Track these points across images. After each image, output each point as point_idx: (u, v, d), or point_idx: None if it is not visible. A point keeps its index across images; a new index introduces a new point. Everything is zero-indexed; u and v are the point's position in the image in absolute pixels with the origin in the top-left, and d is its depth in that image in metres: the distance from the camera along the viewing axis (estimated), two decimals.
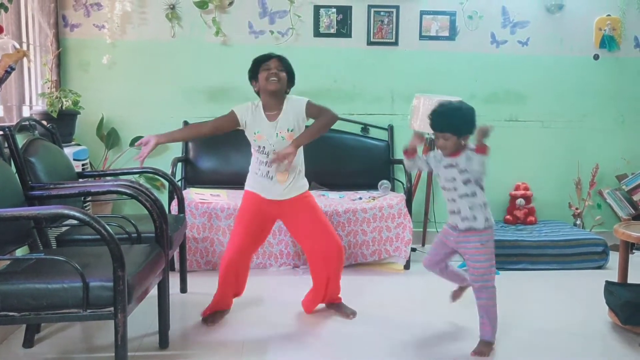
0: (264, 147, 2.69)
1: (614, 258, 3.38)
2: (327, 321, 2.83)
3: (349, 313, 2.87)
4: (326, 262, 2.75)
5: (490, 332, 2.51)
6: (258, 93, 2.74)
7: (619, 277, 2.95)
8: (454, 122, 2.43)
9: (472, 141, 2.48)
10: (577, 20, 4.37)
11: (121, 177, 3.26)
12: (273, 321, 2.83)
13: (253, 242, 2.78)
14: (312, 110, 2.70)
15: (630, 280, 2.94)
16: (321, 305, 2.95)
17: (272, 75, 2.62)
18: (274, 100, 2.68)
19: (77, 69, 4.11)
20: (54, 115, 3.50)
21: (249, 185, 2.79)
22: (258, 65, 2.68)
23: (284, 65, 2.69)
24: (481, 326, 2.53)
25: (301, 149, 2.72)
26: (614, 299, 2.75)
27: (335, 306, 2.92)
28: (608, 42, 4.35)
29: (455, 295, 2.87)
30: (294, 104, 2.70)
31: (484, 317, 2.52)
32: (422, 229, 4.27)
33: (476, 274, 2.51)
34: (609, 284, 2.87)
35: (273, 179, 2.70)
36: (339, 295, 2.93)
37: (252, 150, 2.77)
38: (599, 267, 3.82)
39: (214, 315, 2.80)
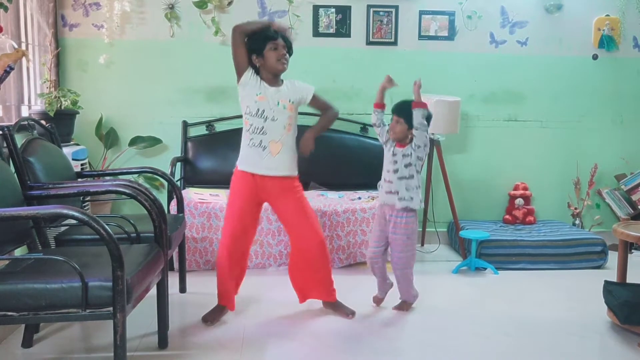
0: (263, 110, 2.67)
1: (613, 258, 3.39)
2: (326, 321, 2.83)
3: (348, 312, 2.87)
4: (304, 255, 2.79)
5: (409, 294, 2.95)
6: (256, 67, 2.71)
7: (617, 277, 2.95)
8: (408, 111, 2.81)
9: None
10: (576, 20, 4.37)
11: (120, 176, 3.27)
12: (272, 321, 2.83)
13: (244, 228, 2.77)
14: (318, 102, 2.81)
15: (629, 280, 2.94)
16: (320, 305, 2.95)
17: (282, 57, 2.66)
18: (275, 79, 2.73)
19: (76, 68, 4.11)
20: (53, 115, 3.50)
21: (240, 161, 2.77)
22: (265, 41, 2.66)
23: (289, 46, 2.72)
24: (401, 290, 2.96)
25: (295, 129, 2.75)
26: (613, 298, 2.76)
27: (333, 305, 2.92)
28: (607, 42, 4.35)
29: (378, 301, 3.05)
30: (299, 86, 2.76)
31: (402, 284, 2.93)
32: (421, 229, 4.27)
33: (399, 257, 2.86)
34: (607, 283, 2.88)
35: (266, 149, 2.68)
36: (334, 295, 2.92)
37: (246, 119, 2.72)
38: (598, 267, 3.82)
39: (214, 314, 2.80)
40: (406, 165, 2.85)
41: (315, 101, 2.80)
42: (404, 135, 2.86)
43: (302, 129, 2.82)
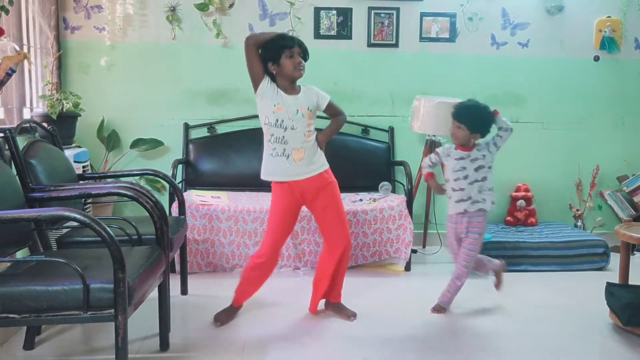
0: (282, 120, 2.67)
1: (615, 259, 3.38)
2: (328, 323, 2.83)
3: (349, 315, 2.87)
4: (331, 253, 2.80)
5: (449, 298, 2.97)
6: (272, 74, 2.71)
7: (619, 279, 2.95)
8: (471, 118, 2.84)
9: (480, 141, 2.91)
10: (577, 22, 4.37)
11: (122, 179, 3.26)
12: (274, 323, 2.83)
13: (284, 236, 2.83)
14: (332, 109, 2.85)
15: (631, 282, 2.93)
16: (321, 307, 2.95)
17: (299, 64, 2.66)
18: (293, 85, 2.73)
19: (77, 71, 4.12)
20: (55, 117, 3.50)
21: (269, 173, 2.76)
22: (281, 50, 2.65)
23: (304, 52, 2.72)
24: (444, 293, 2.98)
25: (314, 134, 2.76)
26: (615, 300, 2.75)
27: (335, 306, 2.92)
28: (608, 43, 4.35)
29: (498, 284, 3.15)
30: (317, 93, 2.78)
31: (450, 289, 2.96)
32: (422, 231, 4.27)
33: (467, 254, 2.91)
34: (610, 285, 2.87)
35: (289, 157, 2.69)
36: (340, 297, 2.93)
37: (266, 130, 2.72)
38: (600, 269, 3.81)
39: (224, 315, 2.81)
40: (477, 169, 2.89)
41: (330, 108, 2.83)
42: (466, 140, 2.88)
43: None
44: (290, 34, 4.13)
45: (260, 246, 2.85)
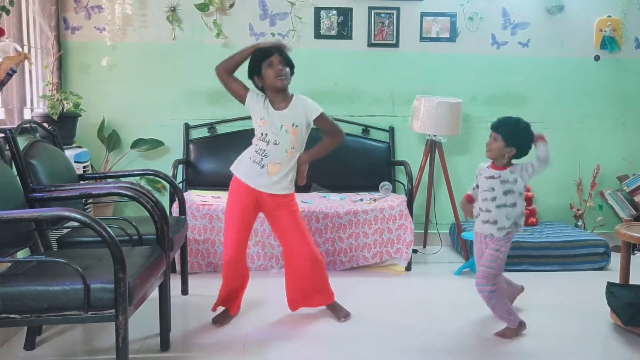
0: (266, 134, 2.67)
1: (616, 259, 3.38)
2: (328, 323, 2.83)
3: (341, 315, 2.85)
4: (295, 267, 2.79)
5: (506, 320, 2.70)
6: (262, 89, 2.71)
7: (620, 278, 2.95)
8: (508, 128, 2.64)
9: (515, 161, 2.69)
10: (577, 22, 4.37)
11: (122, 179, 3.27)
12: (274, 323, 2.83)
13: (245, 235, 2.79)
14: (324, 123, 2.74)
15: (632, 282, 2.93)
16: (322, 307, 2.95)
17: (279, 72, 2.61)
18: (281, 96, 2.69)
19: (78, 71, 4.12)
20: (55, 117, 3.50)
21: (238, 170, 2.75)
22: (260, 62, 2.65)
23: (285, 58, 2.67)
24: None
25: (299, 151, 2.72)
26: (616, 300, 2.75)
27: (329, 306, 2.91)
28: (609, 43, 4.35)
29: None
30: (306, 105, 2.70)
31: (495, 313, 2.73)
32: (423, 231, 4.27)
33: (481, 270, 2.69)
34: (610, 285, 2.87)
35: (264, 168, 2.67)
36: (332, 297, 2.91)
37: (254, 137, 2.75)
38: (601, 268, 3.81)
39: (223, 315, 2.81)
40: (505, 192, 2.64)
41: (322, 122, 2.72)
42: (499, 154, 2.66)
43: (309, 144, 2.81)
44: (291, 34, 4.18)
45: (225, 248, 2.79)
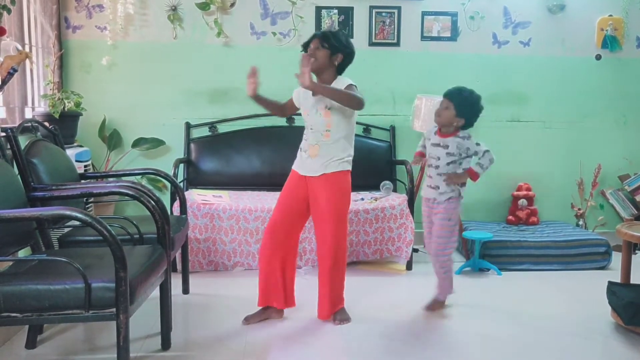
0: (307, 121, 2.80)
1: (617, 258, 3.37)
2: (328, 323, 2.83)
3: (338, 319, 2.80)
4: (319, 257, 2.80)
5: (447, 288, 2.98)
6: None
7: (621, 278, 2.95)
8: (461, 98, 2.80)
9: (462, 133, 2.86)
10: (578, 21, 4.36)
11: (123, 178, 3.27)
12: (275, 322, 2.83)
13: (284, 220, 2.78)
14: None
15: (632, 281, 2.93)
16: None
17: (309, 55, 2.66)
18: (321, 78, 2.73)
19: (79, 70, 4.12)
20: (56, 116, 3.51)
21: (295, 161, 2.88)
22: (305, 49, 2.74)
23: (325, 41, 2.69)
24: (438, 287, 3.00)
25: (337, 134, 2.71)
26: (617, 299, 2.75)
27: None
28: (610, 42, 4.34)
29: (430, 307, 3.00)
30: (339, 83, 2.72)
31: (440, 281, 2.97)
32: (423, 230, 4.26)
33: (436, 242, 2.90)
34: (611, 284, 2.87)
35: (306, 152, 2.78)
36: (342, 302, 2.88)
37: None
38: (602, 268, 3.81)
39: (256, 315, 2.82)
40: (448, 164, 2.86)
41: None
42: (448, 122, 2.83)
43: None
44: (292, 33, 4.17)
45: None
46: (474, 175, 2.87)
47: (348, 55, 2.75)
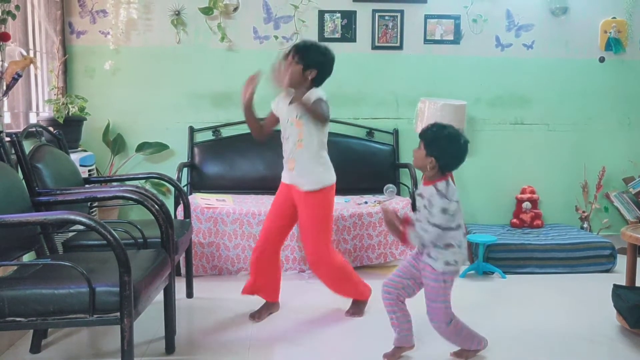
0: (283, 132, 2.79)
1: (622, 261, 3.36)
2: (333, 325, 2.83)
3: (350, 311, 2.93)
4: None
5: (474, 345, 2.47)
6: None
7: (626, 281, 2.93)
8: (429, 135, 2.33)
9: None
10: (582, 23, 4.36)
11: (127, 182, 3.28)
12: (279, 325, 2.83)
13: (277, 228, 2.84)
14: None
15: (638, 284, 2.92)
16: (326, 310, 2.95)
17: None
18: (296, 91, 2.72)
19: (83, 75, 4.14)
20: (61, 121, 3.52)
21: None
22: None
23: (298, 56, 2.67)
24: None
25: (309, 144, 2.70)
26: (622, 302, 2.74)
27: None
28: (613, 44, 4.34)
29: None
30: (310, 96, 2.69)
31: (449, 339, 2.45)
32: None
33: (430, 312, 2.39)
34: (616, 287, 2.85)
35: (286, 164, 2.81)
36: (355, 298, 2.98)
37: None
38: (607, 271, 3.79)
39: (260, 310, 2.88)
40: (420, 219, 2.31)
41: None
42: (422, 164, 2.33)
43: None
44: (295, 37, 4.18)
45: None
46: (404, 240, 2.34)
47: (322, 70, 2.71)
